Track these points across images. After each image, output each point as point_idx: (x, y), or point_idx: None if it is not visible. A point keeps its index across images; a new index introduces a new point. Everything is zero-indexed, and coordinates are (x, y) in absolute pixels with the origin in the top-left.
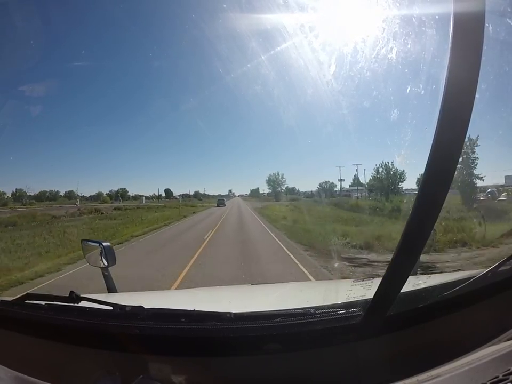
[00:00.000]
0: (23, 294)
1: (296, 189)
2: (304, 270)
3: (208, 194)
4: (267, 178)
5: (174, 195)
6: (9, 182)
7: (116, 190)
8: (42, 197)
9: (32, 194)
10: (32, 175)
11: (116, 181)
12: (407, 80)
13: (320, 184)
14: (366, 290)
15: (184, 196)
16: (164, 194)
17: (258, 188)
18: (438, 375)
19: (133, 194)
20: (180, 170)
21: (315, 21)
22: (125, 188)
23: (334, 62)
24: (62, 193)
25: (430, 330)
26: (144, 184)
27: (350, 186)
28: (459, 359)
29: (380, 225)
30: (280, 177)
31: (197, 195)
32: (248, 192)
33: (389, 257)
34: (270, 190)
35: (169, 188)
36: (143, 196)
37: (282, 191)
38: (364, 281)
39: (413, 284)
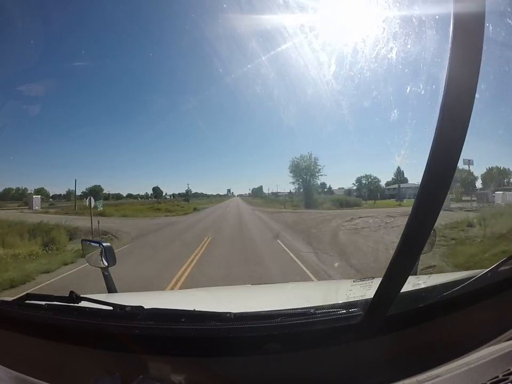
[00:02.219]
0: (23, 294)
1: (327, 185)
2: None
3: (206, 194)
4: (290, 163)
5: (165, 194)
6: (9, 181)
7: (90, 188)
8: (5, 196)
9: None
10: (31, 174)
11: (114, 180)
12: (407, 80)
13: (358, 180)
14: (366, 290)
15: (176, 195)
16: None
17: (261, 187)
18: (437, 375)
19: (115, 193)
20: (179, 169)
21: (315, 21)
22: (99, 185)
23: (334, 62)
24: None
25: (430, 330)
26: (141, 183)
27: (388, 184)
28: (459, 359)
29: None
30: (313, 163)
31: (186, 195)
32: (248, 192)
33: None
34: (298, 185)
35: (158, 186)
36: (36, 195)
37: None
38: (363, 281)
39: (413, 283)
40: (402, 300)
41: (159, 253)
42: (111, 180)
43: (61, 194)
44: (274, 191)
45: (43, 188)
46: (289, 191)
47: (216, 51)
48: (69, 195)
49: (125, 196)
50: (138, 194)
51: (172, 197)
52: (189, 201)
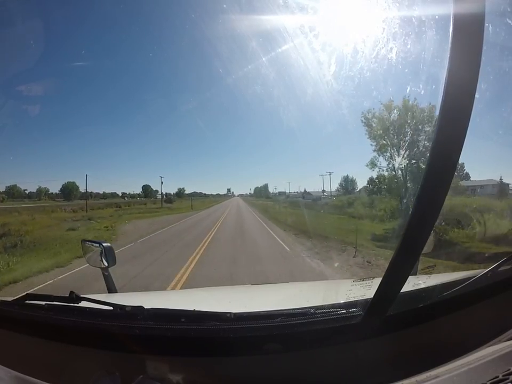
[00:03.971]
0: (23, 294)
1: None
2: None
3: (205, 193)
4: (363, 119)
5: (157, 194)
6: (9, 180)
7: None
8: None
9: None
10: (31, 173)
11: (112, 179)
12: (407, 80)
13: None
14: (366, 290)
15: (173, 195)
16: (161, 194)
17: (267, 185)
18: (437, 375)
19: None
20: (179, 169)
21: (315, 21)
22: (74, 182)
23: (334, 62)
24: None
25: (430, 330)
26: (140, 182)
27: None
28: (459, 359)
29: None
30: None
31: (179, 194)
32: (249, 192)
33: None
34: (405, 164)
35: (149, 184)
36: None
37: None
38: (363, 281)
39: (413, 283)
40: (402, 300)
41: None
42: (109, 178)
43: (30, 192)
44: (281, 191)
45: (16, 185)
46: (303, 191)
47: (216, 51)
48: (40, 193)
49: (120, 195)
50: (129, 193)
51: (163, 196)
52: (172, 202)
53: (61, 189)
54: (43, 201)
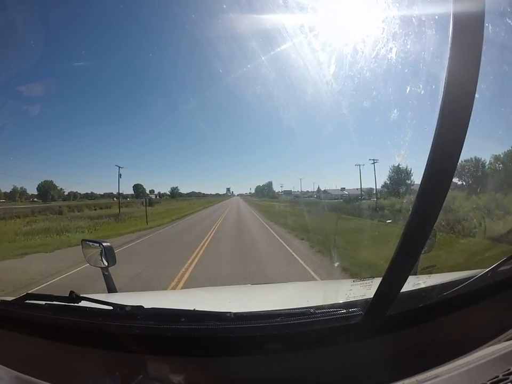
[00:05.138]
0: (23, 294)
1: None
2: None
3: (204, 193)
4: None
5: (157, 193)
6: (10, 181)
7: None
8: None
9: None
10: (31, 173)
11: (110, 179)
12: (407, 80)
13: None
14: (366, 290)
15: (167, 195)
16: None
17: (271, 183)
18: (437, 375)
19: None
20: (179, 169)
21: (315, 21)
22: (51, 181)
23: (334, 62)
24: None
25: (430, 330)
26: (136, 182)
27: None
28: (459, 359)
29: None
30: None
31: (172, 194)
32: (249, 191)
33: None
34: None
35: (141, 184)
36: None
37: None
38: (363, 281)
39: (413, 283)
40: (402, 300)
41: None
42: (107, 179)
43: (5, 192)
44: (287, 189)
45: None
46: (316, 189)
47: (216, 51)
48: (14, 194)
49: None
50: (122, 193)
51: (157, 196)
52: (153, 205)
53: (37, 188)
54: (17, 202)
